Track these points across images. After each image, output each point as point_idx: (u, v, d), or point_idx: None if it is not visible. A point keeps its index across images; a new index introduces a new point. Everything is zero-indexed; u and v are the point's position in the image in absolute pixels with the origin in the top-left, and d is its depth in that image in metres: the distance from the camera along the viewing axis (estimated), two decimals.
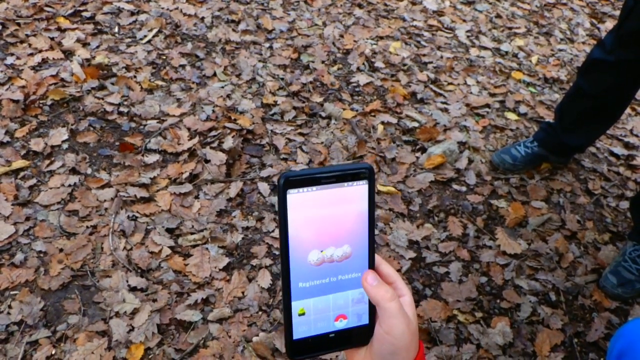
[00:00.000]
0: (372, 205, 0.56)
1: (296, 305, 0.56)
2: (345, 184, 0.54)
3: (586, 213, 2.04)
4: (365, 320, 0.60)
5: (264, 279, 1.67)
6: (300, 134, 2.16)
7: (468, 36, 2.84)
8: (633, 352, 0.84)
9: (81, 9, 2.61)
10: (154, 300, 1.59)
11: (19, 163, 1.91)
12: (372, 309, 0.60)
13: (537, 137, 2.07)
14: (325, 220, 0.55)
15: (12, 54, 2.32)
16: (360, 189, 0.55)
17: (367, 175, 0.55)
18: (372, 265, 0.59)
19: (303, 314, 0.57)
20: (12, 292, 1.57)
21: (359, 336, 0.60)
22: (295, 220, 0.53)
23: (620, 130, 2.39)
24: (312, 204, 0.53)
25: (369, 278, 0.57)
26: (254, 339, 1.53)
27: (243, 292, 1.64)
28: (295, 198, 0.52)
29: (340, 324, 0.59)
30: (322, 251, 0.55)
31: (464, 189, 2.02)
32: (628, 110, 2.51)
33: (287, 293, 0.56)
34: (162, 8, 2.69)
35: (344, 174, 0.54)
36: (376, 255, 0.59)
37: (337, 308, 0.58)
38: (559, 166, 2.14)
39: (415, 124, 2.25)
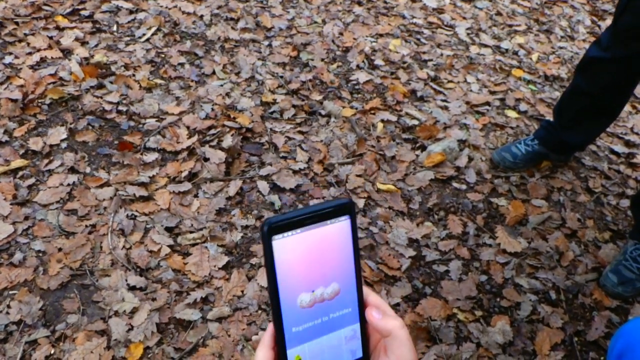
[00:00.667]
0: (355, 239, 0.56)
1: (292, 353, 0.55)
2: (328, 221, 0.54)
3: (587, 211, 2.03)
4: (359, 354, 0.60)
5: (264, 277, 1.67)
6: (300, 132, 2.16)
7: (468, 34, 2.83)
8: (633, 352, 0.84)
9: (79, 7, 2.60)
10: (153, 299, 1.58)
11: (17, 162, 1.90)
12: (365, 343, 0.59)
13: (537, 135, 2.06)
14: (312, 261, 0.54)
15: (10, 53, 2.32)
16: (343, 224, 0.55)
17: (349, 210, 0.55)
18: (361, 298, 0.58)
19: (297, 353, 0.56)
20: (11, 292, 1.57)
21: None
22: (283, 264, 0.52)
23: (621, 129, 2.38)
24: (298, 246, 0.53)
25: (374, 312, 0.57)
26: (254, 337, 1.52)
27: (242, 291, 1.64)
28: (281, 243, 0.52)
29: None
30: (312, 292, 0.55)
31: (464, 187, 2.01)
32: (628, 108, 2.50)
33: (282, 340, 0.55)
34: (161, 6, 2.68)
35: (326, 212, 0.54)
36: (364, 287, 0.59)
37: (331, 348, 0.58)
38: (560, 164, 2.13)
39: (415, 122, 2.24)
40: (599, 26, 3.12)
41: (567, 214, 1.98)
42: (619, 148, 2.28)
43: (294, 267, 0.53)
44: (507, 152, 2.07)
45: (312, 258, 0.54)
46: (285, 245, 0.52)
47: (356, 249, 0.56)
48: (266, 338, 0.56)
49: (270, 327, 0.56)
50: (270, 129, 2.15)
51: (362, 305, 0.58)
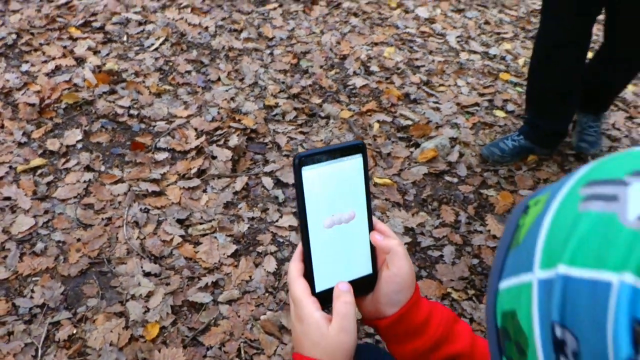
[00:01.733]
0: (366, 174, 0.67)
1: (316, 264, 0.67)
2: (346, 158, 0.65)
3: None
4: (369, 270, 0.71)
5: (270, 264, 1.79)
6: (301, 132, 2.29)
7: (458, 41, 2.98)
8: None
9: (91, 19, 2.75)
10: (167, 284, 1.70)
11: (36, 161, 2.03)
12: (374, 261, 0.71)
13: (522, 130, 2.20)
14: (333, 189, 0.66)
15: (27, 62, 2.46)
16: (357, 161, 0.66)
17: (361, 150, 0.67)
18: (371, 223, 0.70)
19: (321, 271, 0.68)
20: (34, 278, 1.69)
21: (366, 284, 0.70)
22: (310, 191, 0.64)
23: (603, 125, 2.52)
24: (321, 176, 0.64)
25: (376, 235, 0.68)
26: (262, 317, 1.64)
27: (250, 276, 1.75)
28: (308, 173, 0.64)
29: (351, 276, 0.70)
30: (332, 215, 0.67)
31: (455, 180, 2.14)
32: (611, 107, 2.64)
33: (309, 255, 0.66)
34: (168, 18, 2.83)
35: (344, 149, 0.65)
36: (373, 217, 0.71)
37: (347, 263, 0.69)
38: (545, 158, 2.26)
39: (409, 122, 2.37)
40: None
41: None
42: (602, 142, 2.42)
43: (319, 194, 0.65)
44: (495, 147, 2.20)
45: (332, 186, 0.66)
46: (311, 175, 0.64)
47: (367, 182, 0.68)
48: (296, 254, 0.67)
49: (299, 245, 0.67)
50: (273, 129, 2.28)
51: (372, 229, 0.70)
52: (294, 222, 1.92)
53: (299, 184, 0.63)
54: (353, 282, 0.68)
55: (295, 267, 0.66)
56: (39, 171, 2.00)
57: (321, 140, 2.25)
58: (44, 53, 2.52)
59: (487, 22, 3.18)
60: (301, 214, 0.64)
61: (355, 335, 0.64)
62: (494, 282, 0.39)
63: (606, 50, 2.06)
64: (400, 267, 0.67)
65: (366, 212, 0.69)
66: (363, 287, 0.70)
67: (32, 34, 2.61)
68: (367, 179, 0.68)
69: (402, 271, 0.67)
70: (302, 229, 0.65)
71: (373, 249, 0.70)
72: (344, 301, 0.64)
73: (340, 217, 0.67)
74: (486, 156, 2.21)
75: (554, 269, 0.32)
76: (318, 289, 0.67)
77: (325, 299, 0.67)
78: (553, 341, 0.31)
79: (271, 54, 2.71)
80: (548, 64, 2.02)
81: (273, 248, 1.84)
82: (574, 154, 2.31)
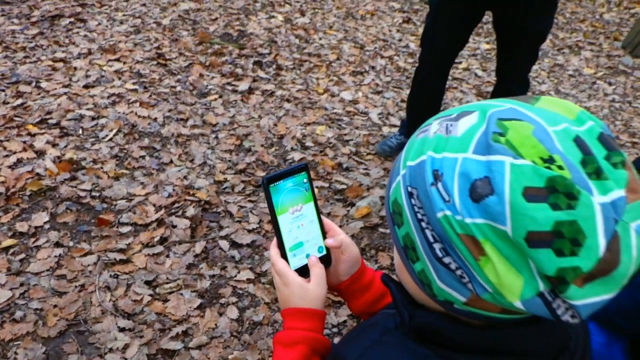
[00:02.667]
0: (310, 182, 0.98)
1: (287, 249, 0.95)
2: (297, 174, 0.96)
3: None
4: (324, 252, 1.00)
5: (232, 312, 2.01)
6: (250, 201, 2.58)
7: (380, 117, 3.42)
8: None
9: (47, 117, 3.00)
10: (141, 337, 1.88)
11: (7, 242, 2.20)
12: (328, 249, 0.99)
13: (401, 131, 2.95)
14: (292, 197, 0.96)
15: None
16: (302, 174, 0.97)
17: (305, 167, 0.97)
18: (320, 222, 0.99)
19: (291, 254, 0.96)
20: (15, 342, 1.83)
21: (325, 261, 0.99)
22: (275, 198, 0.92)
23: None
24: (281, 188, 0.94)
25: (329, 241, 0.96)
26: (230, 357, 1.84)
27: (216, 324, 1.97)
28: (273, 187, 0.93)
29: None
30: (295, 217, 0.96)
31: (388, 230, 2.47)
32: None
33: (282, 243, 0.93)
34: (119, 112, 3.11)
35: (295, 169, 0.95)
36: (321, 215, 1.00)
37: (308, 247, 0.97)
38: None
39: (344, 186, 2.72)
40: None
41: None
42: None
43: (282, 200, 0.94)
44: (384, 145, 2.94)
45: (290, 195, 0.95)
46: (275, 188, 0.93)
47: (313, 191, 0.98)
48: (273, 244, 0.94)
49: (275, 238, 0.95)
50: (225, 200, 2.56)
51: (320, 218, 0.98)
52: (251, 275, 2.17)
53: (268, 195, 0.92)
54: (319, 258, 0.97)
55: (274, 252, 0.94)
56: (11, 250, 2.17)
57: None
58: (5, 148, 2.72)
59: (403, 101, 3.66)
60: (272, 214, 0.93)
61: (326, 288, 0.91)
62: (388, 189, 0.69)
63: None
64: (350, 252, 0.97)
65: (314, 210, 0.98)
66: (324, 263, 0.98)
67: None
68: (312, 186, 0.98)
69: (352, 254, 0.97)
70: (274, 224, 0.94)
71: (324, 236, 0.99)
72: (317, 266, 0.92)
73: (299, 218, 0.96)
74: (380, 153, 2.95)
75: (406, 166, 0.62)
76: (292, 267, 0.95)
77: (298, 273, 0.95)
78: (407, 194, 0.61)
79: (216, 137, 3.03)
80: (420, 87, 2.72)
81: (234, 299, 2.07)
82: None
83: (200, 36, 4.15)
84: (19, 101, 3.10)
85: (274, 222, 0.93)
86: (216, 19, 4.56)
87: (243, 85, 3.56)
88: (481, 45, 4.77)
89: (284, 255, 0.94)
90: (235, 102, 3.40)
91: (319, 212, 0.98)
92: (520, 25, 2.34)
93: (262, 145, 2.99)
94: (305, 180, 0.96)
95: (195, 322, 1.96)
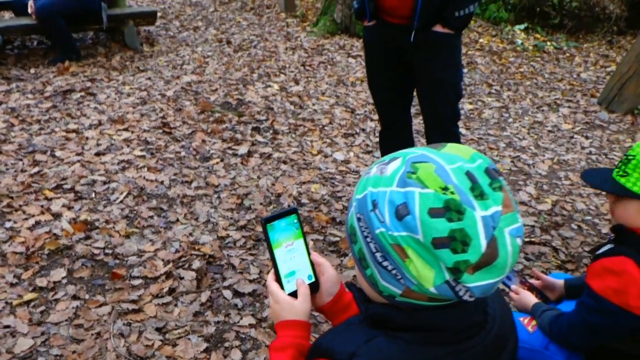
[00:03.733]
0: (301, 224, 1.18)
1: (282, 277, 1.16)
2: (288, 215, 1.18)
3: None
4: (313, 279, 1.21)
5: (236, 354, 2.19)
6: (251, 254, 2.79)
7: None
8: None
9: (62, 182, 3.25)
10: None
11: (29, 296, 2.40)
12: (315, 274, 1.20)
13: None
14: (285, 234, 1.18)
15: (9, 220, 2.89)
16: (293, 216, 1.18)
17: (295, 210, 1.19)
18: (309, 255, 1.21)
19: (287, 280, 1.17)
20: None
21: (313, 288, 1.21)
22: (272, 235, 1.14)
23: None
24: (277, 227, 1.16)
25: (313, 256, 1.19)
26: None
27: None
28: (270, 226, 1.15)
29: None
30: (288, 250, 1.18)
31: None
32: None
33: (278, 272, 1.14)
34: (128, 177, 3.37)
35: (286, 211, 1.17)
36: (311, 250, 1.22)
37: (299, 274, 1.19)
38: None
39: (337, 238, 2.93)
40: None
41: None
42: None
43: (277, 238, 1.16)
44: None
45: (284, 233, 1.18)
46: (272, 227, 1.16)
47: (301, 227, 1.20)
48: (270, 274, 1.16)
49: (272, 269, 1.16)
50: (227, 254, 2.77)
51: (308, 252, 1.20)
52: (253, 321, 2.35)
53: (265, 232, 1.14)
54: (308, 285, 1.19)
55: (270, 278, 1.16)
56: (32, 303, 2.37)
57: (267, 258, 2.75)
58: (24, 212, 2.96)
59: None
60: (269, 247, 1.15)
61: (310, 304, 1.13)
62: (347, 218, 0.91)
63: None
64: (329, 274, 1.19)
65: (304, 245, 1.20)
66: (312, 289, 1.20)
67: (12, 197, 3.07)
68: (301, 225, 1.20)
69: (331, 275, 1.19)
70: (271, 256, 1.16)
71: (313, 267, 1.21)
72: (303, 287, 1.14)
73: (289, 245, 1.18)
74: None
75: (355, 199, 0.86)
76: (287, 292, 1.17)
77: (292, 296, 1.16)
78: (357, 219, 0.84)
79: (219, 197, 3.27)
80: (384, 138, 3.01)
81: (237, 342, 2.25)
82: None
83: (202, 105, 4.48)
84: (36, 169, 3.37)
85: (271, 254, 1.15)
86: (216, 89, 4.91)
87: (242, 149, 3.84)
88: (465, 106, 5.10)
89: (279, 282, 1.16)
90: (235, 164, 3.67)
91: (307, 247, 1.20)
92: (425, 73, 2.68)
93: (261, 204, 3.23)
94: (295, 220, 1.18)
95: None
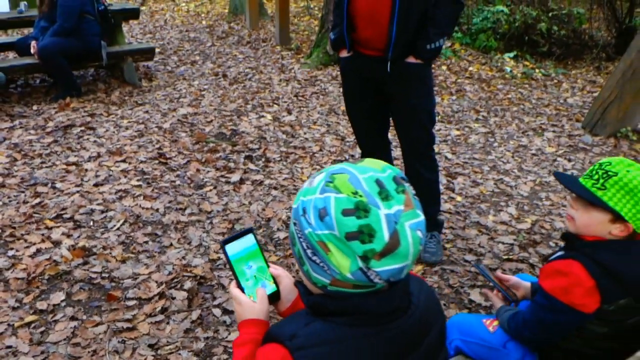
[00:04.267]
0: (256, 238, 1.33)
1: (246, 287, 1.31)
2: (245, 235, 1.33)
3: None
4: (274, 288, 1.37)
5: None
6: None
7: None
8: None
9: (62, 212, 3.42)
10: None
11: (29, 318, 2.55)
12: (277, 284, 1.35)
13: None
14: (244, 251, 1.33)
15: (12, 248, 3.04)
16: (250, 235, 1.34)
17: (251, 230, 1.34)
18: (267, 266, 1.35)
19: (248, 290, 1.32)
20: None
21: (275, 296, 1.36)
22: (231, 253, 1.29)
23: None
24: (235, 247, 1.31)
25: (271, 269, 1.34)
26: None
27: None
28: (229, 247, 1.30)
29: (267, 292, 1.35)
30: (248, 266, 1.33)
31: None
32: None
33: (239, 284, 1.30)
34: (125, 205, 3.54)
35: (243, 232, 1.33)
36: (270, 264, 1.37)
37: (261, 286, 1.34)
38: None
39: None
40: (452, 183, 4.22)
41: None
42: (441, 251, 3.17)
43: (235, 254, 1.31)
44: None
45: (241, 248, 1.32)
46: (230, 247, 1.31)
47: (258, 243, 1.35)
48: (233, 283, 1.31)
49: (234, 280, 1.31)
50: (218, 275, 2.92)
51: (267, 264, 1.35)
52: None
53: (224, 251, 1.29)
54: (269, 295, 1.34)
55: (233, 286, 1.31)
56: (33, 325, 2.51)
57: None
58: (25, 240, 3.12)
59: None
60: (229, 263, 1.30)
61: (268, 305, 1.27)
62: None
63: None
64: (286, 283, 1.34)
65: (262, 258, 1.35)
66: (275, 297, 1.34)
67: (14, 227, 3.23)
68: (258, 243, 1.34)
69: (288, 285, 1.34)
70: (232, 270, 1.31)
71: (273, 279, 1.36)
72: (261, 291, 1.29)
73: (251, 266, 1.33)
74: None
75: (293, 209, 1.02)
76: None
77: None
78: (293, 224, 1.00)
79: (211, 222, 3.43)
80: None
81: (225, 356, 2.38)
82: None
83: (197, 136, 4.67)
84: (37, 200, 3.54)
85: (232, 269, 1.30)
86: (211, 120, 5.11)
87: (235, 177, 4.01)
88: (452, 132, 5.28)
89: (242, 291, 1.31)
90: (228, 191, 3.83)
91: (266, 261, 1.35)
92: (400, 100, 2.86)
93: (255, 232, 3.37)
94: (252, 239, 1.33)
95: None
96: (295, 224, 1.01)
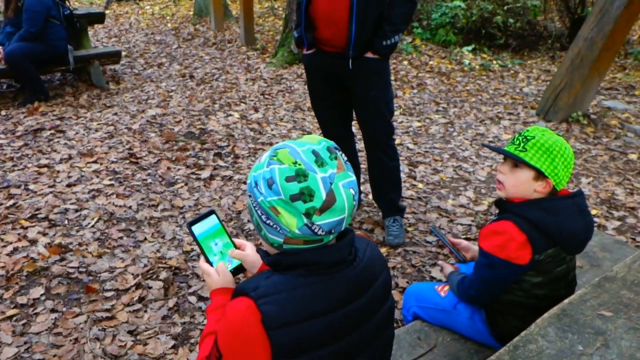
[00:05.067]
0: (220, 220, 1.49)
1: (213, 262, 1.47)
2: (208, 216, 1.48)
3: None
4: (239, 261, 1.52)
5: (201, 348, 2.46)
6: None
7: None
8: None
9: (36, 212, 3.51)
10: None
11: (10, 312, 2.65)
12: (239, 262, 1.51)
13: None
14: (209, 230, 1.48)
15: None
16: (213, 217, 1.49)
17: (213, 211, 1.49)
18: (232, 242, 1.51)
19: (216, 264, 1.48)
20: None
21: (241, 269, 1.52)
22: (198, 234, 1.45)
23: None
24: (201, 227, 1.46)
25: (234, 252, 1.51)
26: None
27: (187, 358, 2.42)
28: (195, 227, 1.45)
29: (232, 267, 1.50)
30: (215, 243, 1.49)
31: None
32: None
33: (207, 259, 1.46)
34: (98, 204, 3.64)
35: (206, 213, 1.48)
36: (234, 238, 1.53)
37: (225, 261, 1.50)
38: None
39: None
40: (414, 172, 4.43)
41: None
42: (404, 234, 3.37)
43: (202, 233, 1.46)
44: None
45: (205, 228, 1.48)
46: (196, 227, 1.46)
47: (221, 222, 1.50)
48: (202, 258, 1.46)
49: (202, 256, 1.46)
50: (192, 266, 3.06)
51: (231, 240, 1.50)
52: None
53: (191, 232, 1.44)
54: (235, 268, 1.49)
55: (202, 261, 1.46)
56: (14, 318, 2.62)
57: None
58: (2, 240, 3.21)
59: None
60: (196, 241, 1.45)
61: (231, 276, 1.43)
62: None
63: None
64: (251, 255, 1.48)
65: (226, 235, 1.50)
66: (240, 269, 1.50)
67: None
68: (221, 222, 1.49)
69: (250, 256, 1.48)
70: (200, 247, 1.46)
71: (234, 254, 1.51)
72: (221, 264, 1.44)
73: (217, 243, 1.48)
74: None
75: (248, 183, 1.19)
76: None
77: None
78: (249, 196, 1.17)
79: (183, 217, 3.56)
80: None
81: None
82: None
83: (166, 136, 4.78)
84: (12, 202, 3.62)
85: (200, 247, 1.45)
86: (180, 120, 5.23)
87: (205, 174, 4.15)
88: (413, 124, 5.49)
89: (210, 265, 1.46)
90: (199, 187, 3.97)
91: (230, 237, 1.50)
92: (360, 93, 3.07)
93: (223, 220, 3.52)
94: (215, 219, 1.49)
95: (170, 357, 2.41)
96: (250, 196, 1.18)
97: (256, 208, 1.16)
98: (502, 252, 1.74)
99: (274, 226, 1.14)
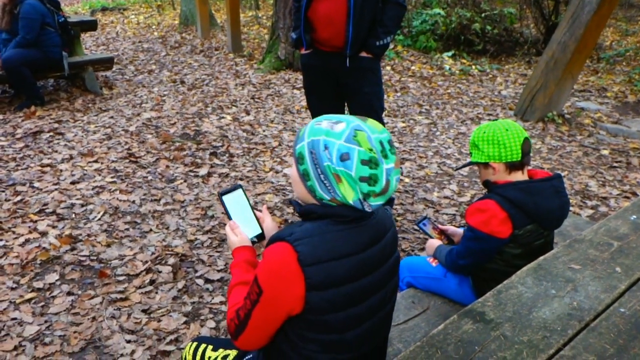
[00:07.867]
0: (245, 193, 1.72)
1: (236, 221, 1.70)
2: (236, 189, 1.71)
3: None
4: (260, 231, 1.74)
5: (211, 324, 2.67)
6: (217, 251, 3.28)
7: None
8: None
9: (44, 207, 3.68)
10: (144, 345, 2.51)
11: (29, 295, 2.83)
12: (261, 227, 1.73)
13: None
14: (236, 201, 1.71)
15: (1, 239, 3.30)
16: (239, 190, 1.73)
17: (240, 186, 1.73)
18: (254, 213, 1.73)
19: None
20: (47, 358, 2.43)
21: (261, 236, 1.74)
22: (228, 204, 1.68)
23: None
24: (230, 198, 1.69)
25: (259, 213, 1.73)
26: None
27: (199, 332, 2.62)
28: (225, 197, 1.68)
29: (254, 234, 1.72)
30: (240, 211, 1.71)
31: None
32: None
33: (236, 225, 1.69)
34: (103, 199, 3.83)
35: (235, 187, 1.71)
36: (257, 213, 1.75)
37: (249, 229, 1.72)
38: None
39: None
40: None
41: None
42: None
43: (230, 203, 1.69)
44: None
45: (234, 199, 1.70)
46: (227, 198, 1.68)
47: (246, 195, 1.73)
48: (228, 225, 1.68)
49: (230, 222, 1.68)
50: (197, 253, 3.26)
51: (254, 211, 1.73)
52: (223, 299, 2.84)
53: (222, 201, 1.67)
54: (256, 236, 1.71)
55: (228, 225, 1.68)
56: (33, 300, 2.79)
57: (230, 253, 3.24)
58: (14, 232, 3.38)
59: None
60: (224, 207, 1.67)
61: (248, 239, 1.65)
62: (294, 148, 1.45)
63: None
64: (268, 222, 1.70)
65: (249, 207, 1.72)
66: (261, 237, 1.72)
67: (0, 222, 3.48)
68: (246, 194, 1.73)
69: (269, 224, 1.69)
70: (227, 214, 1.68)
71: (259, 222, 1.73)
72: (238, 229, 1.66)
73: (240, 205, 1.70)
74: None
75: (309, 138, 1.40)
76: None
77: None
78: (309, 152, 1.38)
79: (185, 210, 3.76)
80: None
81: (211, 315, 2.73)
82: None
83: (163, 137, 4.98)
84: (19, 198, 3.79)
85: (227, 214, 1.68)
86: (175, 123, 5.42)
87: (202, 171, 4.35)
88: (398, 124, 5.76)
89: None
90: (197, 183, 4.17)
91: (252, 209, 1.72)
92: (355, 89, 3.33)
93: (222, 213, 3.73)
94: (241, 192, 1.71)
95: (183, 332, 2.61)
96: (312, 152, 1.30)
97: (316, 165, 1.32)
98: (485, 226, 1.97)
99: (328, 187, 1.32)
